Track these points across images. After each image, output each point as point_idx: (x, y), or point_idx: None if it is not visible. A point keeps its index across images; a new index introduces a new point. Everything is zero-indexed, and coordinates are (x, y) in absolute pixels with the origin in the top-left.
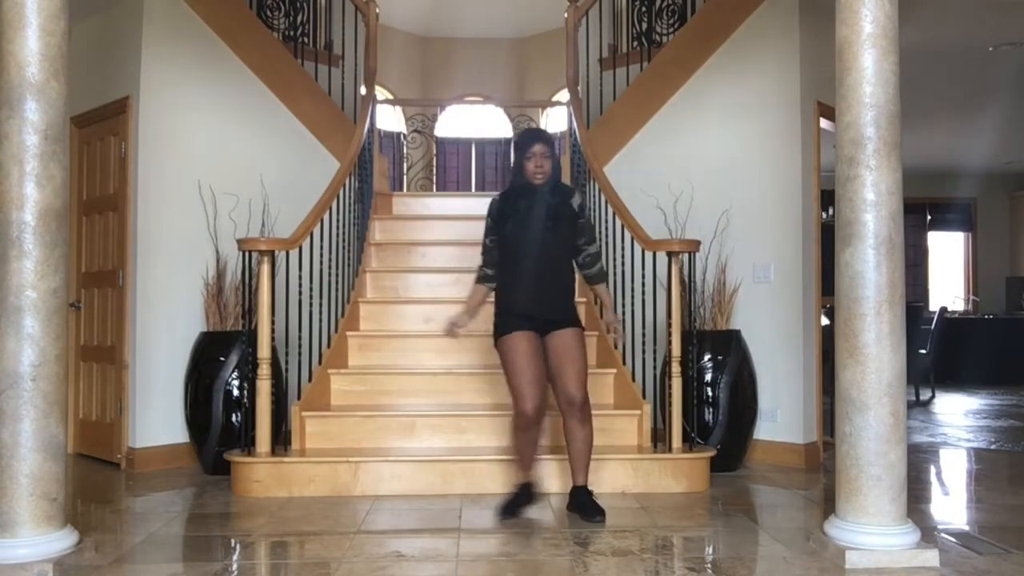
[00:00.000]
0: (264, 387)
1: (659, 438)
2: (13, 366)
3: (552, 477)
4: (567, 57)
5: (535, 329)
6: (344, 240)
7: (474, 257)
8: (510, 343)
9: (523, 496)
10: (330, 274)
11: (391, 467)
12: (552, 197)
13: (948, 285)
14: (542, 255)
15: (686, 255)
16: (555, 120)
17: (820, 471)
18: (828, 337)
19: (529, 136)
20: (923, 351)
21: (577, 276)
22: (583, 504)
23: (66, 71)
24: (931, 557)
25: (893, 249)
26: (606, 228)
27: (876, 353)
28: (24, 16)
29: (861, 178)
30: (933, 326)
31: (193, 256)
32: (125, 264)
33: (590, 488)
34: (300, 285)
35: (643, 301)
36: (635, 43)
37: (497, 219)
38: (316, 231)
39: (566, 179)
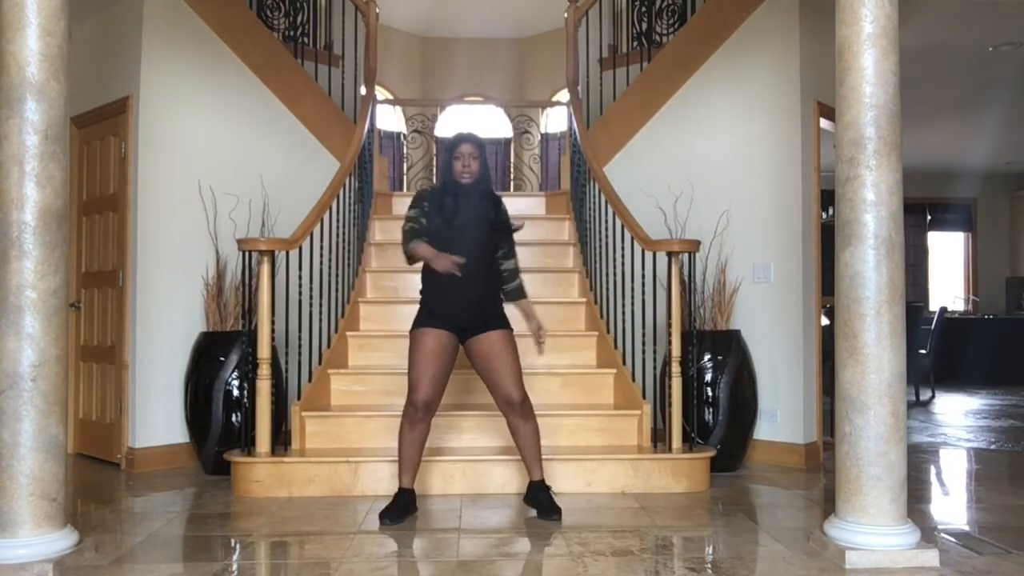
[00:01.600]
0: (264, 387)
1: (659, 438)
2: (13, 366)
3: (555, 477)
4: (567, 57)
5: (454, 331)
6: (344, 240)
7: None
8: (420, 337)
9: (404, 504)
10: (330, 274)
11: (391, 467)
12: (481, 202)
13: (948, 285)
14: (469, 258)
15: (686, 255)
16: (555, 120)
17: (820, 471)
18: (828, 337)
19: (459, 137)
20: (923, 351)
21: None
22: (540, 501)
23: (66, 71)
24: (931, 557)
25: (893, 249)
26: (606, 228)
27: (876, 353)
28: (24, 16)
29: (861, 178)
30: (933, 326)
31: (193, 256)
32: (125, 264)
33: (548, 483)
34: (300, 285)
35: (643, 301)
36: (635, 43)
37: (427, 209)
38: (316, 231)
39: (565, 179)
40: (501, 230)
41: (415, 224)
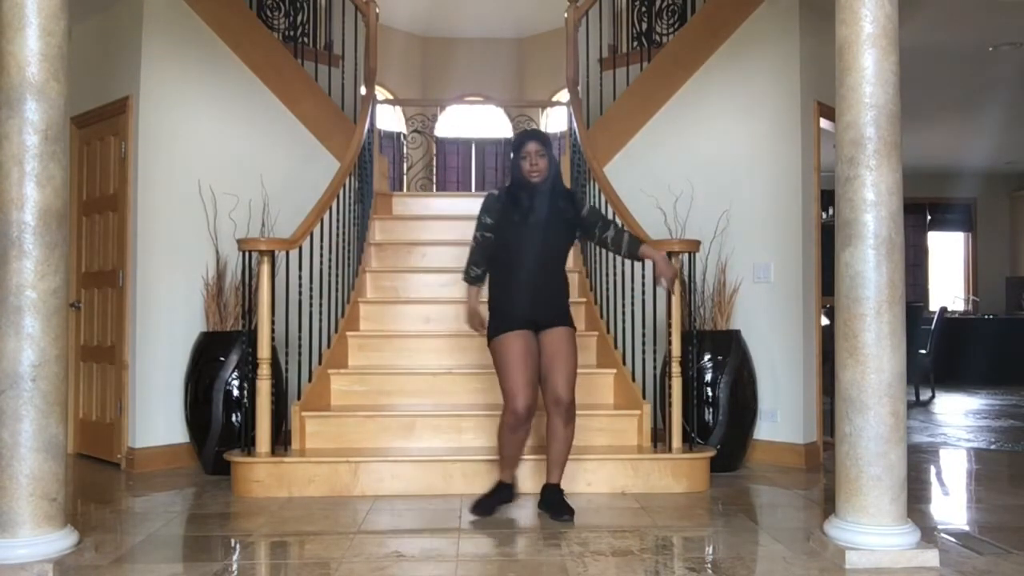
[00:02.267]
0: (264, 387)
1: (659, 438)
2: (13, 366)
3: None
4: (567, 57)
5: (530, 328)
6: (344, 240)
7: None
8: (506, 343)
9: (501, 495)
10: (330, 274)
11: (391, 467)
12: (552, 197)
13: (948, 285)
14: (541, 255)
15: (686, 255)
16: (555, 120)
17: (820, 471)
18: (828, 337)
19: (523, 135)
20: (923, 351)
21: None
22: (553, 503)
23: (66, 71)
24: (931, 557)
25: (893, 249)
26: None
27: (876, 353)
28: (24, 16)
29: (861, 178)
30: (933, 326)
31: (193, 256)
32: (125, 264)
33: (562, 487)
34: (300, 285)
35: (643, 301)
36: (635, 43)
37: (496, 218)
38: (316, 231)
39: (566, 179)
40: (584, 222)
41: (479, 239)
